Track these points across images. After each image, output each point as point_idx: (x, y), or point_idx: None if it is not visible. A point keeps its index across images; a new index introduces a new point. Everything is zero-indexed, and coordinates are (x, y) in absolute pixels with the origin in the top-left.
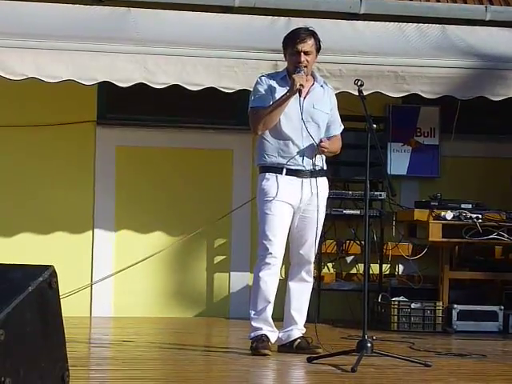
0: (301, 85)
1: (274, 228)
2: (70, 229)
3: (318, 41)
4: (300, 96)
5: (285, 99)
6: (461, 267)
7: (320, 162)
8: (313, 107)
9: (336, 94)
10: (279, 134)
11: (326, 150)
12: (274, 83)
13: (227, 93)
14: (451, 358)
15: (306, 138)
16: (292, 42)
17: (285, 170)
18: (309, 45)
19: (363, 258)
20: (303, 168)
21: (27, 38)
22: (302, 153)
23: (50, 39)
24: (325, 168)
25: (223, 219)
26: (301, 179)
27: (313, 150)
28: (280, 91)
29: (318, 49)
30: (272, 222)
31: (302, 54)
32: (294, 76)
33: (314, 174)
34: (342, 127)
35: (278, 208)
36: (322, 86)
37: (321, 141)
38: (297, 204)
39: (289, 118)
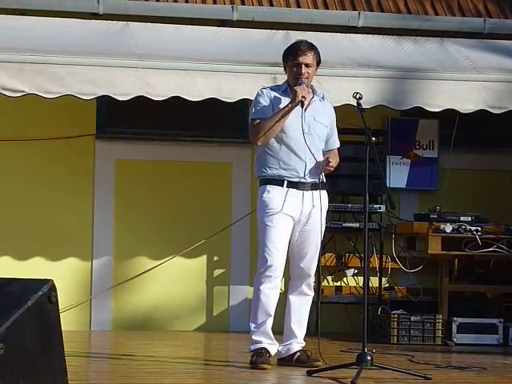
0: (303, 97)
1: (275, 240)
2: (69, 242)
3: (317, 54)
4: (302, 107)
5: (287, 111)
6: (460, 280)
7: (320, 174)
8: (314, 119)
9: (335, 108)
10: (281, 146)
11: (331, 169)
12: (275, 94)
13: (227, 105)
14: (451, 371)
15: (308, 151)
16: (293, 54)
17: (286, 183)
18: (310, 57)
19: (363, 270)
20: (304, 180)
21: (25, 53)
22: (303, 165)
23: (49, 54)
24: (324, 181)
25: (223, 232)
26: (302, 192)
27: (314, 163)
28: (282, 102)
29: (318, 62)
30: (273, 235)
31: (303, 66)
32: (295, 88)
33: (315, 186)
34: (338, 142)
35: (278, 220)
36: (320, 100)
37: (328, 161)
38: (297, 217)
39: (290, 129)
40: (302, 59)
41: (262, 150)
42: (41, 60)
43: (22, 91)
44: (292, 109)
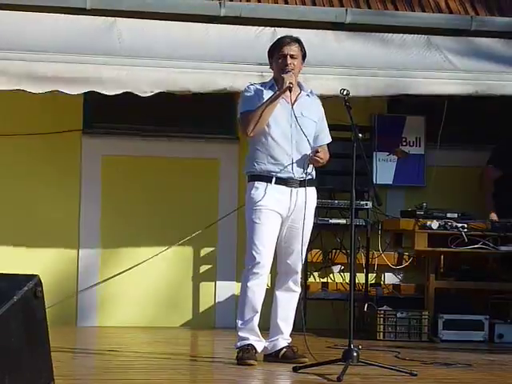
0: (290, 83)
1: (263, 237)
2: (55, 238)
3: (303, 47)
4: (290, 92)
5: (274, 98)
6: (446, 276)
7: (310, 170)
8: (302, 115)
9: (321, 104)
10: (268, 141)
11: (320, 161)
12: (262, 89)
13: (214, 101)
14: (437, 368)
15: (295, 145)
16: (278, 46)
17: (274, 179)
18: (295, 49)
19: (349, 267)
20: (293, 176)
21: (12, 49)
22: (291, 160)
23: (36, 49)
24: (314, 177)
25: (209, 228)
26: (290, 188)
27: (303, 158)
28: (269, 96)
29: (304, 56)
30: (261, 232)
31: (289, 56)
32: (283, 75)
33: (304, 183)
34: (330, 138)
35: (266, 217)
36: (308, 95)
37: (316, 151)
38: (285, 213)
39: (278, 124)
40: (287, 50)
41: (251, 145)
42: (28, 57)
43: (10, 86)
44: (280, 95)
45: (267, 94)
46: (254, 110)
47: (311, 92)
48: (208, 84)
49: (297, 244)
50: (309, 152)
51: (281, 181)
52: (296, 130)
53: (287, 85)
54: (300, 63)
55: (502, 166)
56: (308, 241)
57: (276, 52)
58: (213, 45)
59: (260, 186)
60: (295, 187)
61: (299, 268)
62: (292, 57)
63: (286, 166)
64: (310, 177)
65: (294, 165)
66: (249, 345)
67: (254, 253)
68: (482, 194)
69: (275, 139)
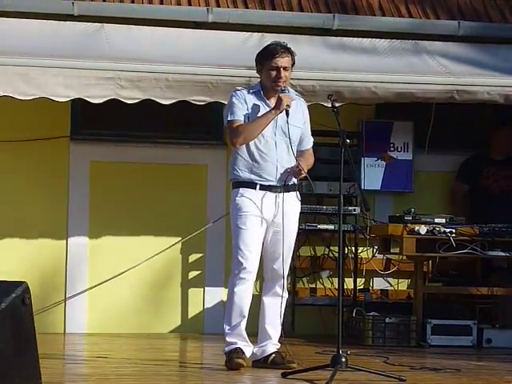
0: (287, 105)
1: (249, 243)
2: (43, 244)
3: (293, 56)
4: (287, 116)
5: (270, 117)
6: (435, 282)
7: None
8: (287, 122)
9: (308, 108)
10: (253, 150)
11: (303, 173)
12: (249, 97)
13: (202, 107)
14: (425, 373)
15: (278, 155)
16: (270, 57)
17: (258, 186)
18: (287, 60)
19: (337, 272)
20: (276, 184)
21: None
22: (275, 169)
23: (23, 56)
24: (296, 182)
25: (198, 234)
26: (274, 194)
27: (286, 167)
28: (256, 105)
29: (293, 64)
30: (246, 237)
31: (282, 69)
32: (281, 95)
33: (288, 188)
34: (312, 140)
35: (252, 222)
36: (293, 99)
37: (299, 169)
38: (270, 218)
39: (263, 133)
40: (280, 63)
41: (235, 153)
42: (15, 62)
43: None
44: (275, 116)
45: (255, 103)
46: (246, 124)
47: (297, 95)
48: (195, 93)
49: (282, 249)
50: (294, 160)
51: (264, 187)
52: (281, 139)
53: (284, 107)
54: (290, 73)
55: (468, 181)
56: (293, 245)
57: (268, 61)
58: (201, 50)
59: (245, 192)
60: (279, 192)
61: (285, 273)
62: (285, 69)
63: (271, 176)
64: (292, 182)
65: (279, 173)
66: (237, 348)
67: (240, 258)
68: (455, 208)
69: (261, 149)
